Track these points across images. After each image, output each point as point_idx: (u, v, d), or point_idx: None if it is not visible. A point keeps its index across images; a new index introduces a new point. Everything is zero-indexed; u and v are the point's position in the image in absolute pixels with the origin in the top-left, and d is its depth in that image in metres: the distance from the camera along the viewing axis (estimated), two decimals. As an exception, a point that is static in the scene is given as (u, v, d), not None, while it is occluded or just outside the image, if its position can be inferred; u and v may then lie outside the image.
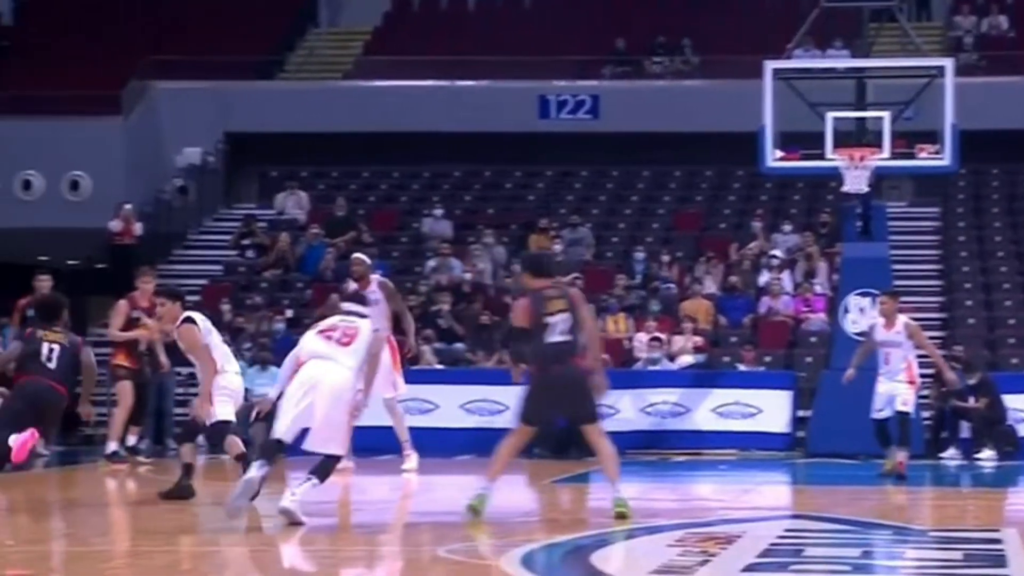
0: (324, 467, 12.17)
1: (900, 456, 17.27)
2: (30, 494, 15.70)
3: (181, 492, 14.25)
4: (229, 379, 14.32)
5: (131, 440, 19.29)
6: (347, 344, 12.40)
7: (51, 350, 15.19)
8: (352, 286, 18.38)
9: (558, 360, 12.29)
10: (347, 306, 12.91)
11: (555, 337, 12.28)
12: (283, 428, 12.31)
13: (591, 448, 12.69)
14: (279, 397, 12.63)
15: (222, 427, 14.36)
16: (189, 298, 20.89)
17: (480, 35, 34.22)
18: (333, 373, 12.26)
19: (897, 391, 17.59)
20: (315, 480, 12.12)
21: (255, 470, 12.11)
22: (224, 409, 14.24)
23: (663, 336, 23.63)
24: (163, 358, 19.38)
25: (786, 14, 31.95)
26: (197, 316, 14.23)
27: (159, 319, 17.23)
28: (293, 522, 11.93)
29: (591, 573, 10.00)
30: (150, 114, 31.54)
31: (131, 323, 19.07)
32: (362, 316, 12.74)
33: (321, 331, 12.51)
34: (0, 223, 29.96)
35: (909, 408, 17.69)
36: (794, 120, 21.64)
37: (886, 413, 17.68)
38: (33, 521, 13.14)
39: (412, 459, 18.04)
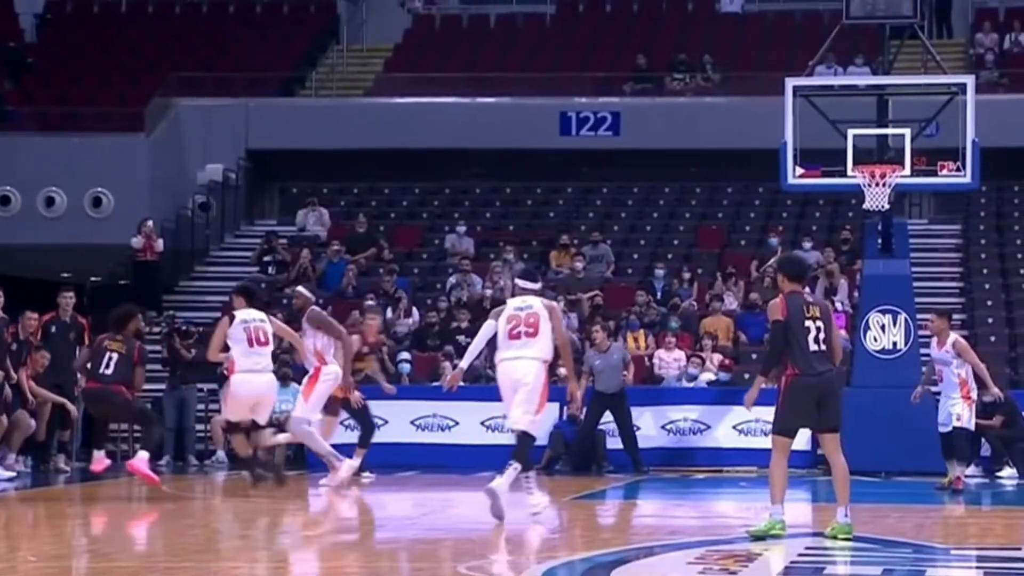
0: (522, 447, 13.70)
1: (957, 471, 18.06)
2: (52, 510, 15.76)
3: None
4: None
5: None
6: (532, 335, 13.76)
7: (110, 357, 16.81)
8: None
9: None
10: (521, 283, 14.36)
11: None
12: (523, 423, 13.76)
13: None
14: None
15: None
16: (210, 315, 21.04)
17: (501, 52, 34.28)
18: (526, 367, 13.69)
19: (953, 408, 18.29)
20: (516, 464, 13.57)
21: (500, 480, 13.50)
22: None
23: (703, 356, 23.62)
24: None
25: (807, 31, 32.00)
26: None
27: (361, 332, 19.18)
28: (495, 509, 13.36)
29: (611, 590, 10.00)
30: (172, 131, 31.65)
31: (357, 357, 19.18)
32: (537, 293, 14.23)
33: (508, 334, 13.77)
34: (23, 239, 30.06)
35: (964, 423, 18.30)
36: (815, 137, 21.63)
37: (945, 428, 18.40)
38: (56, 536, 13.18)
39: (342, 470, 17.78)
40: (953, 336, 18.52)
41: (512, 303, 14.21)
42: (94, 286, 28.96)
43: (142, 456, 16.71)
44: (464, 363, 14.34)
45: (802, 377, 12.18)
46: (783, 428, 12.33)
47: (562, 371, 22.50)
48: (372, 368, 19.70)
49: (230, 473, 19.17)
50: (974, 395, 18.61)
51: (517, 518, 13.31)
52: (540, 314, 13.88)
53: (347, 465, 17.75)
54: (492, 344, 14.27)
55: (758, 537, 12.06)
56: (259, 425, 17.06)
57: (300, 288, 19.14)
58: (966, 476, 18.65)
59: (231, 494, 17.08)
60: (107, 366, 16.84)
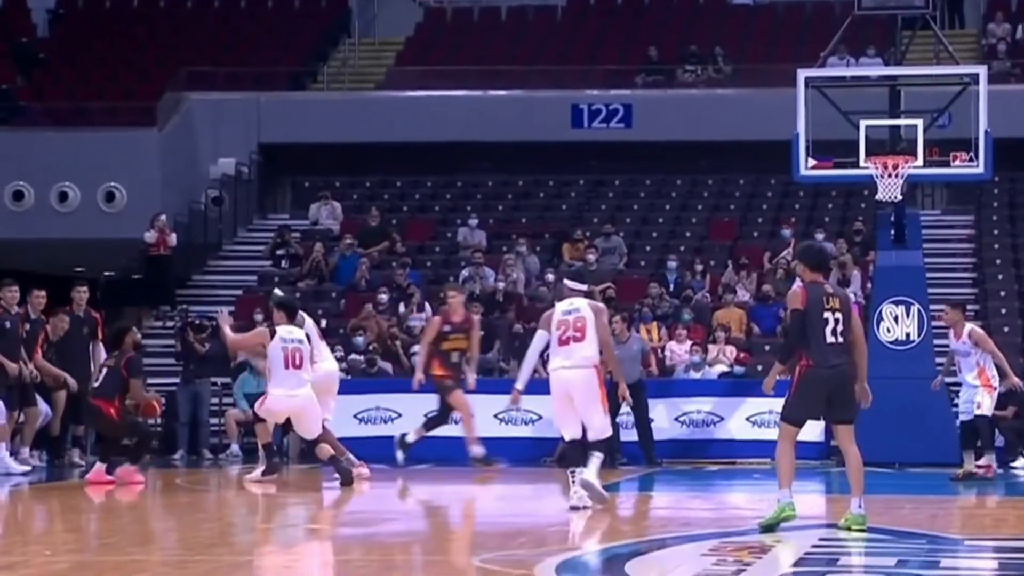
0: (600, 443, 14.12)
1: (985, 459, 18.44)
2: (66, 504, 15.79)
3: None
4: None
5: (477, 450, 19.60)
6: (580, 340, 14.02)
7: (101, 371, 17.42)
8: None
9: None
10: (570, 284, 14.74)
11: None
12: (566, 431, 14.22)
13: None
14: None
15: None
16: (224, 308, 21.10)
17: (512, 45, 34.28)
18: (574, 375, 14.02)
19: (974, 397, 18.60)
20: (599, 454, 14.05)
21: (581, 475, 13.93)
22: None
23: (706, 345, 23.61)
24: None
25: (819, 22, 31.96)
26: None
27: (445, 312, 19.51)
28: (595, 496, 13.84)
29: (625, 582, 10.01)
30: (185, 125, 31.67)
31: (441, 337, 19.44)
32: (585, 294, 14.68)
33: (559, 340, 14.06)
34: (37, 234, 30.12)
35: (984, 411, 18.63)
36: (827, 128, 21.59)
37: (965, 417, 18.76)
38: (70, 531, 13.21)
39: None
40: (969, 326, 18.76)
41: (560, 307, 14.37)
42: (107, 281, 29.00)
43: (127, 467, 17.17)
44: (520, 383, 14.74)
45: (815, 369, 12.16)
46: (791, 417, 12.33)
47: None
48: (464, 347, 19.54)
49: (244, 467, 19.19)
50: (995, 383, 18.83)
51: (530, 511, 13.31)
52: (587, 317, 14.14)
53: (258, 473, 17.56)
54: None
55: (768, 528, 12.05)
56: (315, 446, 17.14)
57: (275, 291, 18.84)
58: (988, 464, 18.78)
59: (245, 487, 17.10)
60: (96, 379, 17.44)
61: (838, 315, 12.22)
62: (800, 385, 12.24)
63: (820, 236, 27.38)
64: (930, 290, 23.22)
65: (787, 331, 12.63)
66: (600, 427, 14.12)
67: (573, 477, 14.12)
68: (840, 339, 12.21)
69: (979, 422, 18.80)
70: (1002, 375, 18.87)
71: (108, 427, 17.53)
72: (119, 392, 17.13)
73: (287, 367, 16.62)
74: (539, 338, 14.37)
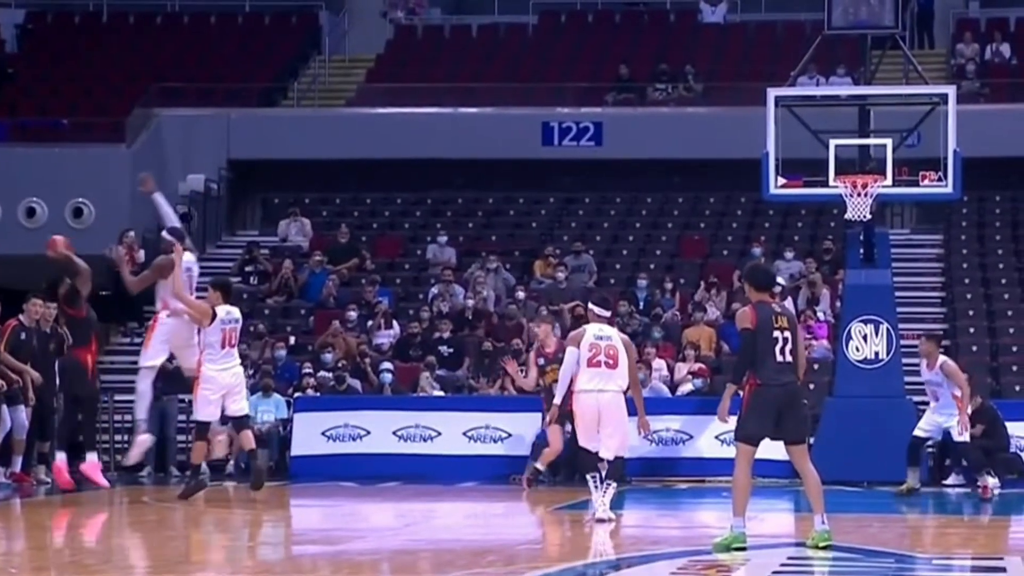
0: (617, 469, 14.88)
1: (983, 481, 18.76)
2: (32, 520, 15.69)
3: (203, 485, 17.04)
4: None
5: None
6: (614, 367, 14.86)
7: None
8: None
9: None
10: (597, 310, 15.29)
11: None
12: (591, 444, 14.92)
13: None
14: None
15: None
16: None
17: (483, 62, 34.28)
18: (608, 398, 14.86)
19: (951, 423, 19.10)
20: (613, 484, 14.76)
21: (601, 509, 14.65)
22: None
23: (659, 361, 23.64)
24: None
25: (789, 42, 32.04)
26: None
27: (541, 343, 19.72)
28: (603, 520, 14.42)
29: (594, 601, 9.98)
30: (154, 141, 31.57)
31: (541, 372, 19.60)
32: (609, 321, 15.50)
33: (589, 361, 14.81)
34: (3, 250, 29.95)
35: (965, 437, 19.19)
36: (797, 147, 21.64)
37: (924, 432, 19.25)
38: (36, 548, 13.12)
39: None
40: (942, 359, 19.20)
41: (591, 330, 15.13)
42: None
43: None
44: (559, 398, 15.59)
45: (765, 387, 12.21)
46: (744, 435, 12.35)
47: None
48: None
49: (211, 485, 19.09)
50: (970, 411, 19.37)
51: (500, 529, 13.28)
52: (618, 347, 15.03)
53: (140, 440, 17.64)
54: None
55: (721, 549, 12.05)
56: (243, 425, 17.34)
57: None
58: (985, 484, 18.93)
59: (213, 505, 17.02)
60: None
61: (786, 334, 12.28)
62: (751, 403, 12.28)
63: (790, 255, 27.46)
64: (899, 309, 23.28)
65: (740, 352, 12.63)
66: (618, 447, 14.98)
67: (595, 484, 14.80)
68: (788, 358, 12.25)
69: (962, 448, 19.24)
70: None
71: (84, 386, 17.89)
72: (93, 335, 17.50)
73: (223, 346, 17.05)
74: (571, 355, 15.08)
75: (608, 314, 15.71)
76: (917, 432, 19.29)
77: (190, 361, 17.50)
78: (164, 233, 17.64)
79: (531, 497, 18.99)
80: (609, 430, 14.89)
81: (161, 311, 17.46)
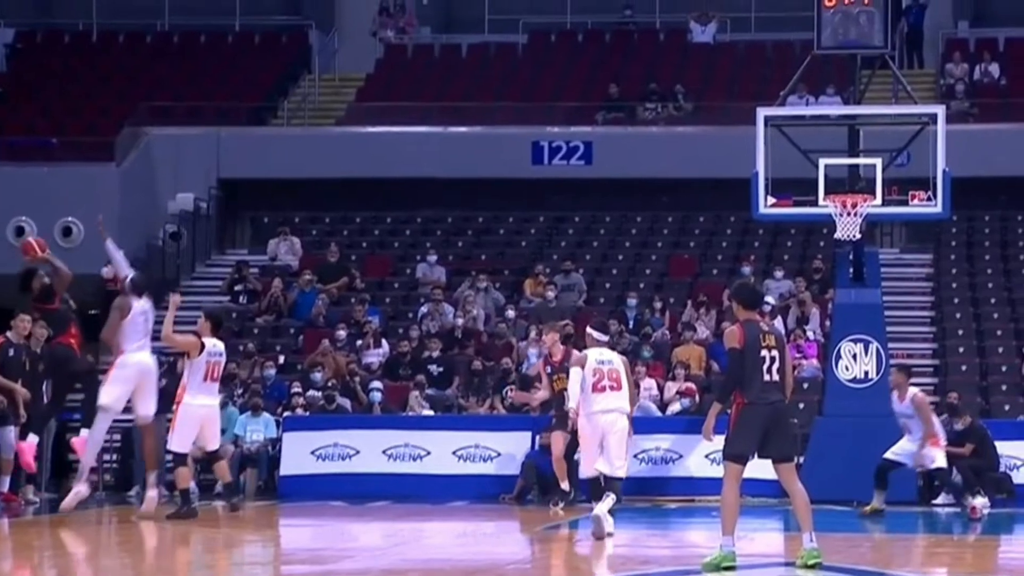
0: (616, 485, 15.25)
1: (971, 502, 18.72)
2: (20, 541, 15.64)
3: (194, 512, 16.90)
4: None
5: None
6: (617, 389, 15.38)
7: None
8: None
9: None
10: (596, 335, 15.75)
11: None
12: (590, 470, 15.46)
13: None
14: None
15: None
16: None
17: (473, 81, 34.30)
18: (614, 418, 15.36)
19: (928, 453, 19.22)
20: (613, 496, 15.11)
21: (601, 507, 14.99)
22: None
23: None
24: None
25: (779, 61, 32.10)
26: None
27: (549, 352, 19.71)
28: (599, 533, 14.76)
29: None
30: (144, 160, 31.55)
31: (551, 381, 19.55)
32: (609, 345, 16.07)
33: (593, 386, 15.29)
34: (-7, 268, 29.89)
35: (940, 463, 19.50)
36: (787, 166, 21.65)
37: (895, 457, 19.18)
38: (24, 568, 13.07)
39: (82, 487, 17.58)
40: (912, 391, 19.27)
41: (592, 355, 15.59)
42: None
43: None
44: (573, 402, 15.72)
45: (753, 406, 12.20)
46: (732, 453, 12.34)
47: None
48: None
49: (200, 503, 19.04)
50: (942, 440, 19.59)
51: (489, 549, 13.24)
52: (620, 369, 15.56)
53: (78, 491, 17.42)
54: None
55: (710, 568, 12.03)
56: (218, 456, 17.42)
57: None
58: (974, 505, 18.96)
59: (201, 524, 16.97)
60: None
61: (774, 353, 12.28)
62: (739, 422, 12.28)
63: (779, 274, 27.47)
64: (889, 328, 23.28)
65: (728, 371, 12.62)
66: (622, 466, 15.51)
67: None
68: (776, 377, 12.25)
69: (939, 475, 19.46)
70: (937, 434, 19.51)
71: (79, 362, 18.14)
72: (70, 323, 17.74)
73: (206, 379, 17.19)
74: (576, 375, 15.47)
75: (607, 338, 16.16)
76: (889, 455, 19.26)
77: (147, 408, 17.43)
78: (126, 283, 17.70)
79: (521, 516, 18.96)
80: (614, 450, 15.35)
81: (117, 356, 17.43)
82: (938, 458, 19.38)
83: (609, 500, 15.14)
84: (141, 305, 17.26)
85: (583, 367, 15.44)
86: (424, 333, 26.12)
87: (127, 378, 17.15)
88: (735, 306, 12.73)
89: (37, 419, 18.75)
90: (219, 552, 14.75)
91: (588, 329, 16.00)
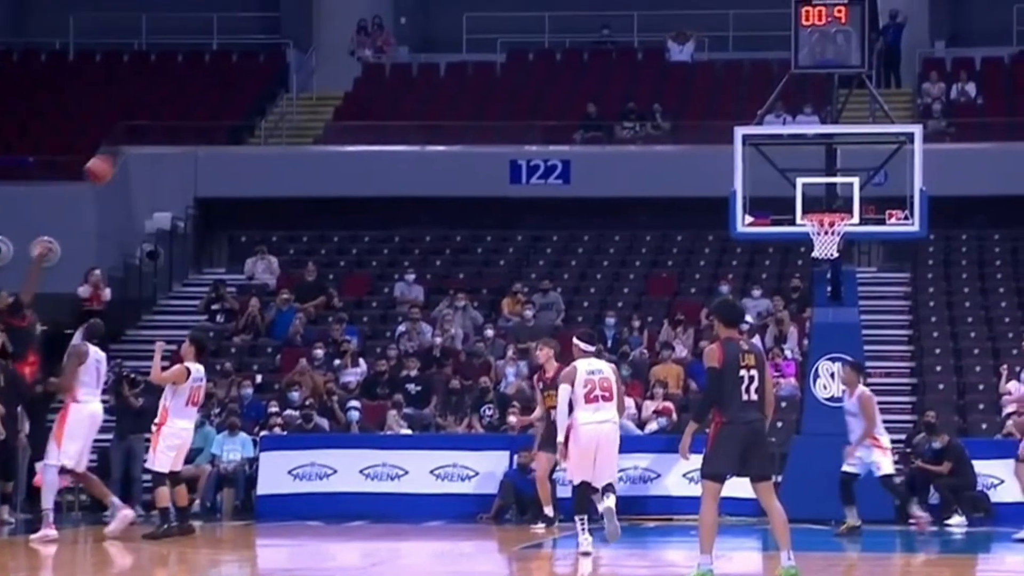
0: (611, 488, 15.49)
1: (915, 512, 18.93)
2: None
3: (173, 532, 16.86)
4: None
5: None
6: (609, 399, 15.42)
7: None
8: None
9: None
10: (582, 345, 15.70)
11: None
12: (579, 477, 15.52)
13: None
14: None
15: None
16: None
17: (451, 100, 34.30)
18: (608, 429, 15.43)
19: (871, 458, 19.01)
20: (612, 495, 15.40)
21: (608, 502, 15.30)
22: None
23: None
24: None
25: (757, 80, 32.12)
26: None
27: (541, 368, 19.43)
28: (612, 529, 15.22)
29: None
30: (121, 179, 31.43)
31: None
32: (596, 355, 16.05)
33: (585, 397, 15.29)
34: (-31, 288, 29.77)
35: (885, 471, 19.21)
36: (764, 185, 21.68)
37: (853, 469, 19.16)
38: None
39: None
40: (860, 389, 19.22)
41: (582, 366, 15.57)
42: (40, 335, 28.66)
43: None
44: (561, 436, 15.62)
45: (730, 425, 12.18)
46: (710, 472, 12.32)
47: (512, 419, 22.50)
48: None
49: (180, 524, 18.94)
50: (885, 443, 19.36)
51: (468, 568, 13.20)
52: (611, 378, 15.57)
53: (45, 534, 17.20)
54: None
55: None
56: (179, 480, 17.46)
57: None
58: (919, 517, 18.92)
59: (178, 545, 16.90)
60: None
61: (753, 372, 12.23)
62: (717, 441, 12.26)
63: (757, 293, 27.48)
64: (866, 347, 23.30)
65: (706, 390, 12.60)
66: (613, 473, 15.65)
67: (582, 524, 15.22)
68: (755, 396, 12.22)
69: (885, 483, 19.29)
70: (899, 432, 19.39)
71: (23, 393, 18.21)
72: (29, 348, 18.00)
73: (188, 404, 17.31)
74: (565, 392, 15.49)
75: (593, 348, 16.04)
76: (846, 468, 19.29)
77: (85, 460, 17.57)
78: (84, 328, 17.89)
79: (499, 535, 18.92)
80: (605, 459, 15.43)
81: (72, 404, 17.43)
82: (883, 465, 19.23)
83: (614, 498, 15.39)
84: (96, 352, 17.52)
85: (573, 383, 15.43)
86: (402, 352, 26.08)
87: (84, 434, 17.38)
88: (716, 324, 12.68)
89: (36, 445, 18.50)
90: (196, 572, 14.67)
91: (575, 340, 15.96)
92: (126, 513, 17.52)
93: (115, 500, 17.89)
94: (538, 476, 19.43)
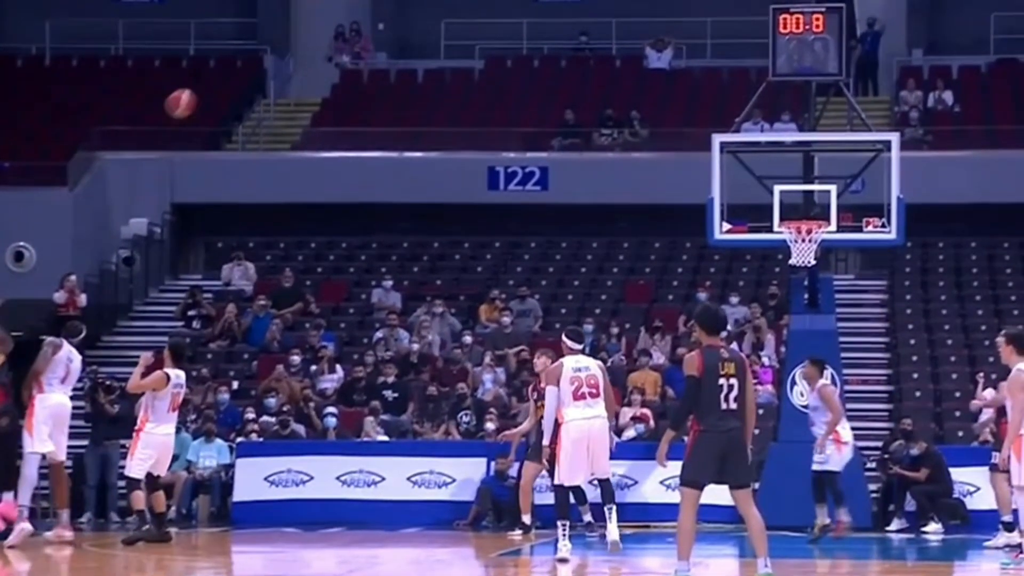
0: (609, 490, 15.87)
1: (840, 516, 18.54)
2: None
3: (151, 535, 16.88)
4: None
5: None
6: (597, 396, 15.38)
7: None
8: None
9: None
10: (570, 343, 15.65)
11: None
12: (575, 478, 15.61)
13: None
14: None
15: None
16: (134, 370, 20.90)
17: (429, 106, 34.27)
18: (597, 425, 15.41)
19: (825, 450, 18.81)
20: (613, 505, 15.73)
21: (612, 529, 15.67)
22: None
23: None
24: None
25: (735, 88, 32.17)
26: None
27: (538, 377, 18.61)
28: (615, 548, 15.54)
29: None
30: (97, 185, 31.39)
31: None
32: (584, 352, 16.08)
33: (573, 395, 15.23)
34: (-56, 293, 29.68)
35: (832, 466, 18.80)
36: (742, 193, 21.68)
37: (819, 467, 18.96)
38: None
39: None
40: (821, 382, 19.01)
41: (568, 364, 15.51)
42: (15, 341, 28.55)
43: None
44: (547, 439, 15.72)
45: (708, 433, 12.15)
46: (689, 479, 12.30)
47: (489, 426, 22.46)
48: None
49: (158, 530, 18.86)
50: (845, 437, 18.97)
51: (445, 575, 13.15)
52: (598, 375, 15.54)
53: (20, 529, 17.17)
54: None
55: None
56: (159, 484, 17.46)
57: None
58: (846, 519, 18.78)
59: (155, 551, 16.83)
60: None
61: (732, 380, 12.19)
62: (695, 448, 12.25)
63: (735, 300, 27.50)
64: (843, 354, 23.31)
65: (683, 398, 12.58)
66: (606, 469, 15.74)
67: (563, 530, 15.27)
68: (734, 405, 12.18)
69: (824, 477, 18.83)
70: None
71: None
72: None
73: (168, 410, 17.31)
74: (552, 394, 15.44)
75: (580, 346, 16.01)
76: (815, 467, 19.14)
77: (61, 448, 17.52)
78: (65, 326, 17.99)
79: (475, 542, 18.88)
80: (599, 455, 15.47)
81: (37, 394, 17.49)
82: (832, 459, 18.85)
83: (615, 514, 15.65)
84: (71, 350, 17.60)
85: (559, 382, 15.35)
86: (379, 359, 26.03)
87: (49, 420, 17.39)
88: (697, 331, 12.64)
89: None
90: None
91: (563, 338, 15.96)
92: (25, 527, 17.31)
93: (63, 516, 17.72)
94: (522, 485, 19.34)
